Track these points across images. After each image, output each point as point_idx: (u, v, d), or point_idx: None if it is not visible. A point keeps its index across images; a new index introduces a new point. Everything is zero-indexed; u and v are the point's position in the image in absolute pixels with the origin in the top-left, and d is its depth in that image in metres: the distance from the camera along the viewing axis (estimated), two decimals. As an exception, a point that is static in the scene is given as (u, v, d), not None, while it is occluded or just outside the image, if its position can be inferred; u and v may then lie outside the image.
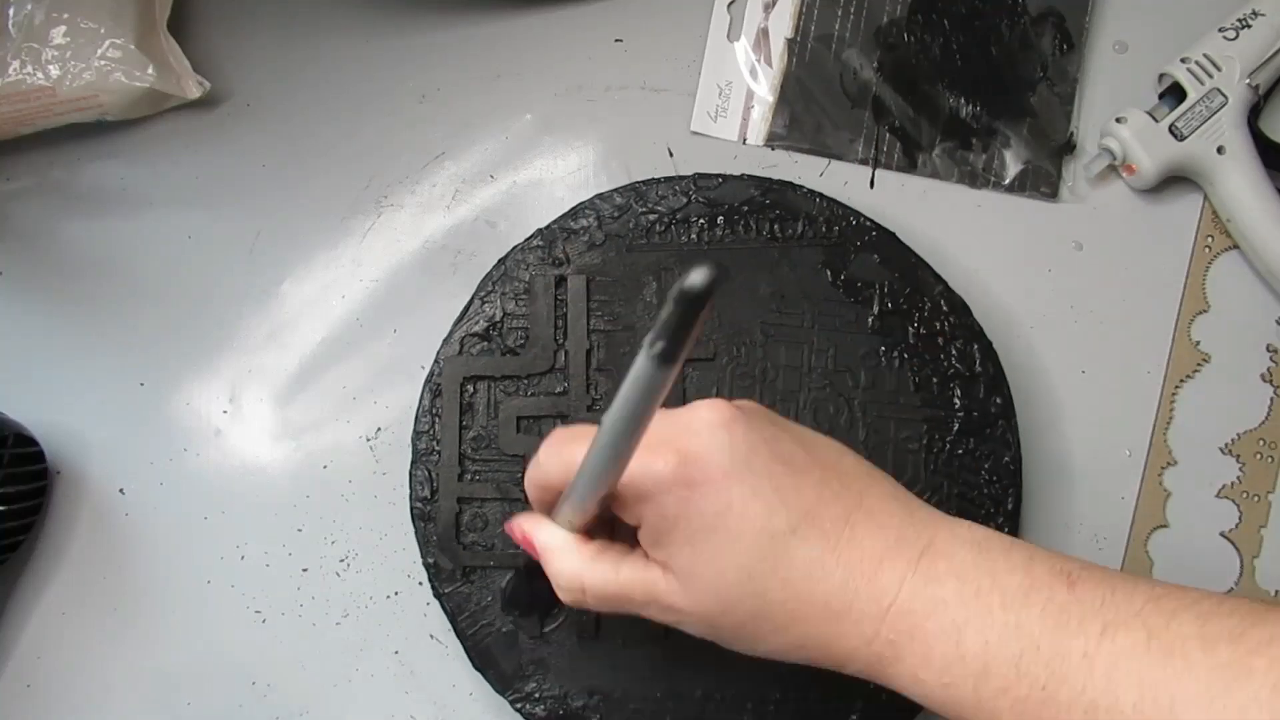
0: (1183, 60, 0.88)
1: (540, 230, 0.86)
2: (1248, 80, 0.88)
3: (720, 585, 0.59)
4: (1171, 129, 0.88)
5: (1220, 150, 0.87)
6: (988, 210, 0.91)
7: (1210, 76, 0.88)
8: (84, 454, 0.90)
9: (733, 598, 0.59)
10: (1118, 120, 0.88)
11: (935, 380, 0.84)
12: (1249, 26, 0.88)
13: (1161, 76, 0.90)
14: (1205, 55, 0.88)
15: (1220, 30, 0.89)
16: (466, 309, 0.85)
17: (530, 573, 0.71)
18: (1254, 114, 0.89)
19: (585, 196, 0.87)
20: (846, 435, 0.83)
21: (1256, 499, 0.88)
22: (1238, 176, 0.87)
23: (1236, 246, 0.90)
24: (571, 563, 0.64)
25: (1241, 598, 0.56)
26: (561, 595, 0.65)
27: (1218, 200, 0.89)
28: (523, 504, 0.82)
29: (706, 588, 0.59)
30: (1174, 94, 0.89)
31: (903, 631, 0.58)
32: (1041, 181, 0.91)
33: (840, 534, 0.59)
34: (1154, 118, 0.88)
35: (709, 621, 0.61)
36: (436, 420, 0.84)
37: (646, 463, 0.58)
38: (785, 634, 0.60)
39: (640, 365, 0.48)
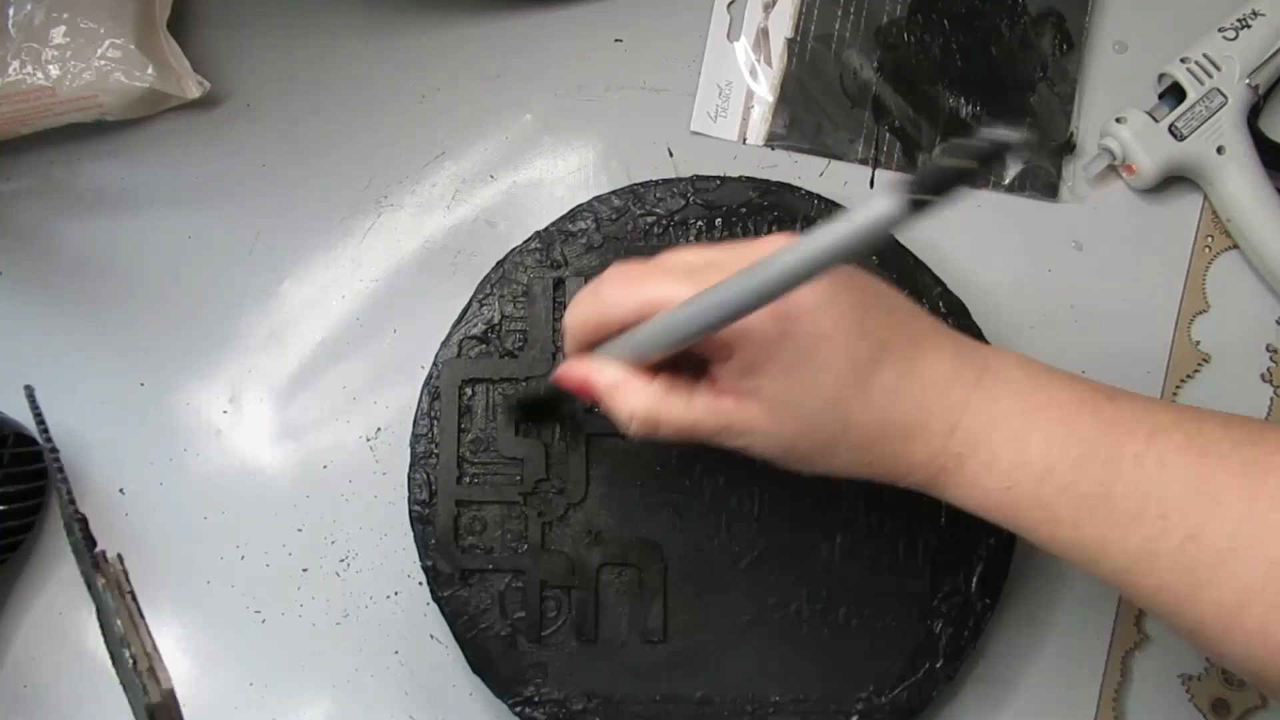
0: (1182, 60, 0.88)
1: (538, 233, 0.86)
2: (1247, 80, 0.88)
3: (810, 410, 0.63)
4: (1171, 129, 0.88)
5: (1220, 150, 0.87)
6: (987, 210, 0.91)
7: (1210, 76, 0.88)
8: (84, 454, 0.90)
9: (819, 421, 0.63)
10: (1117, 120, 0.88)
11: (934, 381, 0.84)
12: (1248, 27, 0.88)
13: (1161, 76, 0.90)
14: (1205, 55, 0.88)
15: (1220, 30, 0.88)
16: (464, 311, 0.85)
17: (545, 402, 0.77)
18: (1254, 114, 0.89)
19: (585, 196, 0.87)
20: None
21: (1256, 499, 0.88)
22: (1238, 177, 0.87)
23: (1237, 246, 0.90)
24: (644, 398, 0.66)
25: (1245, 417, 0.64)
26: (631, 430, 0.67)
27: (1217, 200, 0.89)
28: (520, 507, 0.83)
29: (796, 412, 0.63)
30: (1174, 94, 0.89)
31: (968, 444, 0.63)
32: (1041, 181, 0.90)
33: (912, 361, 0.64)
34: (1154, 118, 0.88)
35: (786, 444, 0.65)
36: (435, 423, 0.84)
37: None
38: (859, 453, 0.65)
39: (878, 207, 0.48)
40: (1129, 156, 0.88)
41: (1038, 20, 0.92)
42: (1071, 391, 0.64)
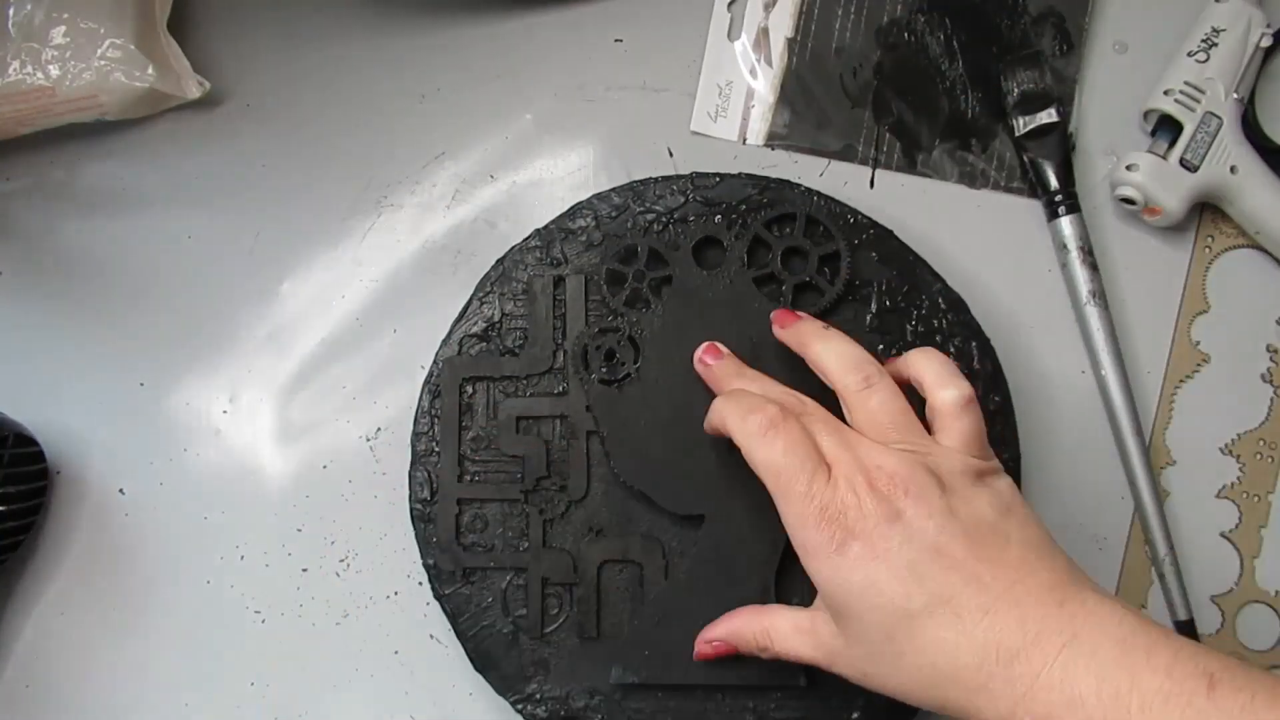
0: (1166, 93, 0.88)
1: (538, 230, 0.86)
2: (1235, 95, 0.88)
3: (867, 642, 0.66)
4: (1183, 162, 0.87)
5: (1233, 170, 0.87)
6: (988, 210, 0.91)
7: (1198, 101, 0.88)
8: (84, 454, 0.90)
9: (877, 653, 0.65)
10: (1129, 168, 0.87)
11: (934, 379, 0.84)
12: (1215, 45, 0.88)
13: (1148, 114, 0.90)
14: (1186, 83, 0.88)
15: (1190, 54, 0.88)
16: (465, 309, 0.85)
17: None
18: (1245, 123, 0.89)
19: (585, 196, 0.87)
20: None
21: (1257, 499, 0.88)
22: (1258, 191, 0.87)
23: (1248, 246, 0.90)
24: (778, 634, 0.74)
25: None
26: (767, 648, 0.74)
27: (1242, 217, 0.88)
28: (521, 505, 0.83)
29: (857, 641, 0.67)
30: (1166, 126, 0.89)
31: (1040, 716, 0.60)
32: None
33: (977, 622, 0.62)
34: (1160, 156, 0.87)
35: (860, 669, 0.68)
36: (435, 421, 0.84)
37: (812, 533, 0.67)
38: (929, 692, 0.64)
39: None
40: (1150, 200, 0.87)
41: (1038, 20, 0.92)
42: (1165, 676, 0.58)
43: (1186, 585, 0.86)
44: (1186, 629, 0.85)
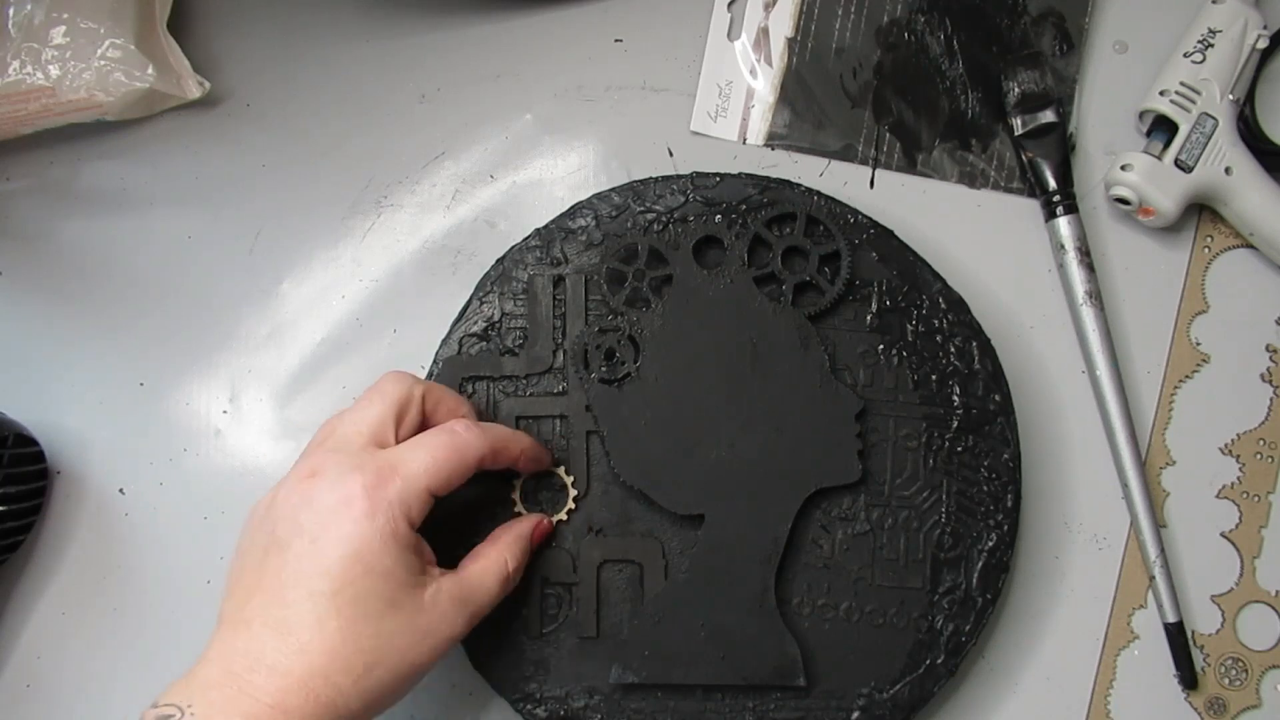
0: (1161, 93, 0.88)
1: (538, 230, 0.86)
2: (1231, 96, 0.88)
3: None
4: (1177, 163, 0.87)
5: (1228, 171, 0.87)
6: (988, 210, 0.91)
7: (1193, 102, 0.88)
8: (84, 454, 0.90)
9: None
10: (1123, 168, 0.87)
11: (934, 377, 0.84)
12: (1212, 46, 0.88)
13: (1143, 114, 0.90)
14: (1182, 84, 0.88)
15: (1186, 55, 0.88)
16: (465, 309, 0.85)
17: None
18: (1242, 124, 0.89)
19: (585, 196, 0.87)
20: (846, 434, 0.83)
21: (1257, 499, 0.88)
22: (1252, 193, 0.87)
23: (1246, 246, 0.90)
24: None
25: None
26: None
27: (1236, 219, 0.89)
28: (521, 504, 0.82)
29: None
30: (1161, 126, 0.89)
31: None
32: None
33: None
34: (1155, 156, 0.87)
35: None
36: (436, 420, 0.84)
37: None
38: None
39: None
40: (1144, 200, 0.87)
41: (1038, 20, 0.92)
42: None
43: (1182, 587, 0.86)
44: (1176, 631, 0.85)
